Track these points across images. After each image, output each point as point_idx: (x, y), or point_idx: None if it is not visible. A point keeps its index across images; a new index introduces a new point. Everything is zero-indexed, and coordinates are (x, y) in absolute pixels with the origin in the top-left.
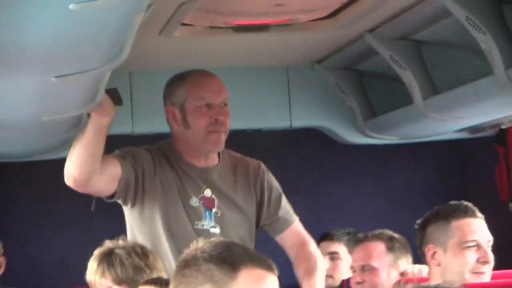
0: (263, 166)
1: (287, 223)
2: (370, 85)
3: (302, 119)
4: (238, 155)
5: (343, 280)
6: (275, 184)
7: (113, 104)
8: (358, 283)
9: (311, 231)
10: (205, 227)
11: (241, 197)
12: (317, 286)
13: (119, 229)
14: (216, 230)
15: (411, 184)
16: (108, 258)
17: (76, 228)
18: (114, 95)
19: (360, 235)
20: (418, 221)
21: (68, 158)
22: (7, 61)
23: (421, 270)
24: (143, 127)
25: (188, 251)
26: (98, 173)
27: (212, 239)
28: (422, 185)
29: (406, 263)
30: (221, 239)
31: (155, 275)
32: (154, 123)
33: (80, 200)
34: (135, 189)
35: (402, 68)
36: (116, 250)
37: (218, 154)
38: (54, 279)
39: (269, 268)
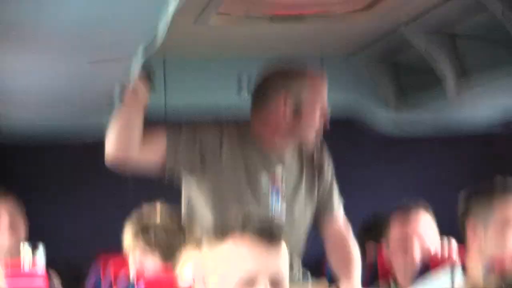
0: (325, 146)
1: (332, 208)
2: (405, 78)
3: (336, 109)
4: None
5: None
6: (332, 168)
7: (148, 81)
8: None
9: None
10: (271, 203)
11: (307, 177)
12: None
13: (151, 196)
14: (282, 207)
15: (442, 177)
16: (142, 222)
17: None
18: (148, 74)
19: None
20: (462, 193)
21: (107, 141)
22: (42, 45)
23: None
24: (176, 114)
25: None
26: (138, 151)
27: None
28: (453, 179)
29: None
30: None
31: (191, 239)
32: (187, 110)
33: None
34: (193, 163)
35: (437, 61)
36: (151, 214)
37: None
38: (84, 248)
39: None
